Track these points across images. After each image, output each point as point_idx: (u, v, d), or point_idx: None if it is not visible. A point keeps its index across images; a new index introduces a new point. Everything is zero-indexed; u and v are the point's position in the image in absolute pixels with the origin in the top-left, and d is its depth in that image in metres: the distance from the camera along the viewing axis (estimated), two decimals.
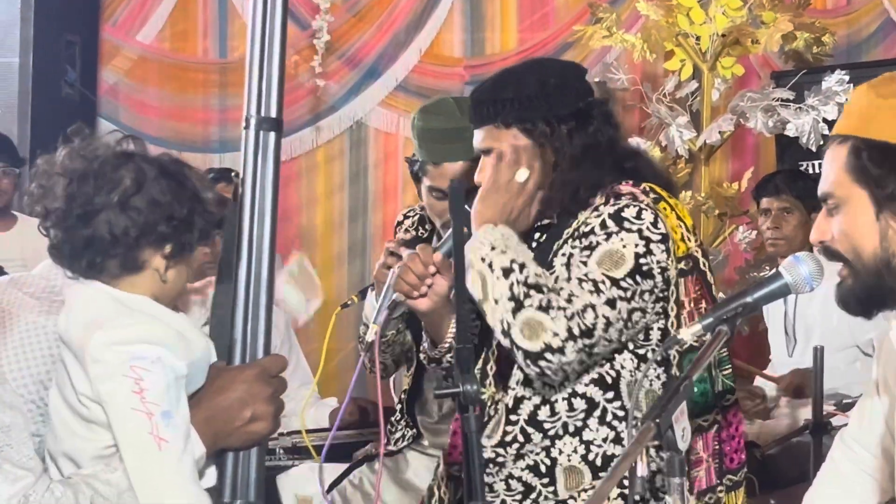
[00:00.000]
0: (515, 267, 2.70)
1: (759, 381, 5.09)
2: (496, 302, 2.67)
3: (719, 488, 2.84)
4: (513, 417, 2.85)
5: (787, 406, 4.93)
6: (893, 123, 2.22)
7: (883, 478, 2.48)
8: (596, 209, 2.83)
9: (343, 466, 3.91)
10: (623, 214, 2.73)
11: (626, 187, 2.88)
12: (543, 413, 2.81)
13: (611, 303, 2.66)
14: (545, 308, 2.64)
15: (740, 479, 2.89)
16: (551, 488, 2.76)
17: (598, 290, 2.67)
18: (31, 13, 6.07)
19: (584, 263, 2.70)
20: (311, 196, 6.82)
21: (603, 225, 2.74)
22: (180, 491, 2.00)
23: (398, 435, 3.72)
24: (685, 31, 5.55)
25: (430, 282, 2.92)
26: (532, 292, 2.67)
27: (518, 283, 2.68)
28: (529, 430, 2.80)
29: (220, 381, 2.14)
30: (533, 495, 2.84)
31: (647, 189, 2.89)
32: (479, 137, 2.93)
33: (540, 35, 6.67)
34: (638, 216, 2.73)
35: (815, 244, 2.31)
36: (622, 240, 2.71)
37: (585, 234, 2.78)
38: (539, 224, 2.98)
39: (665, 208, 2.86)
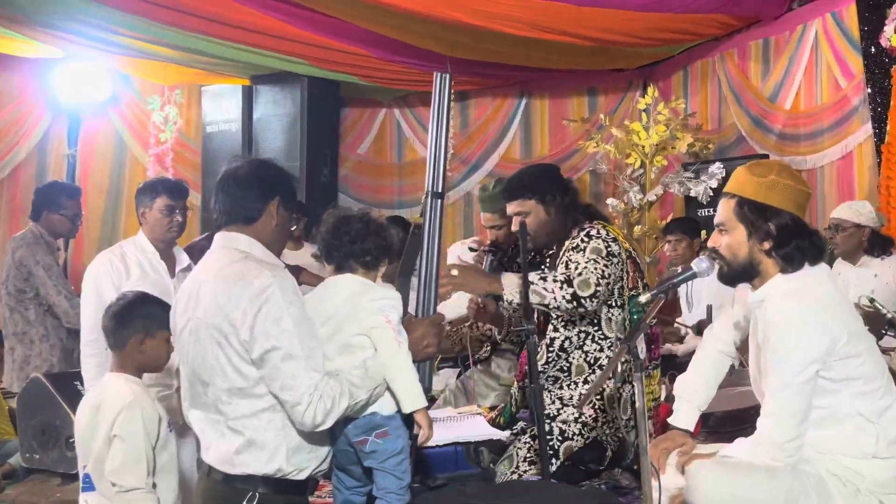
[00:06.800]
0: (544, 276, 3.70)
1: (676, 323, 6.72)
2: (554, 295, 3.67)
3: (650, 367, 4.10)
4: (551, 350, 3.82)
5: (692, 338, 6.44)
6: (758, 190, 3.12)
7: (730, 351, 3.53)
8: (575, 237, 3.99)
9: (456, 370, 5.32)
10: (591, 233, 3.96)
11: (587, 225, 4.05)
12: (568, 344, 3.90)
13: (605, 269, 3.77)
14: (571, 278, 3.67)
15: (658, 363, 4.21)
16: (569, 379, 3.99)
17: (596, 263, 3.82)
18: (305, 140, 8.60)
19: (583, 254, 3.84)
20: (442, 231, 7.63)
21: (583, 240, 3.95)
22: (409, 367, 2.99)
23: (483, 351, 4.97)
24: (636, 143, 7.93)
25: (482, 302, 4.33)
26: (570, 272, 3.71)
27: (556, 278, 3.70)
28: (562, 354, 3.84)
29: (410, 326, 3.08)
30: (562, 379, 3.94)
31: (599, 225, 4.08)
32: (511, 207, 4.09)
33: (561, 146, 9.11)
34: (598, 234, 3.97)
35: (708, 246, 3.22)
36: (596, 244, 3.90)
37: (574, 248, 3.92)
38: (547, 253, 4.16)
39: (611, 230, 4.08)
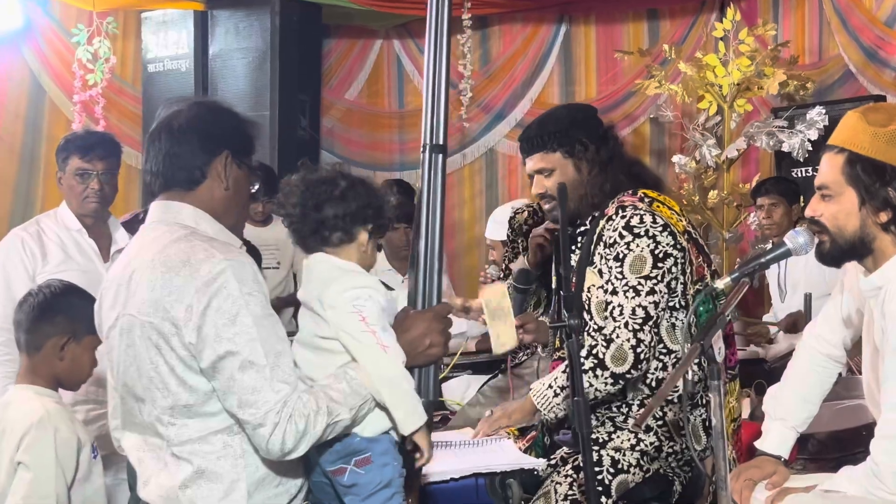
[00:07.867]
0: (559, 383, 3.87)
1: (764, 320, 7.23)
2: (595, 388, 3.80)
3: (727, 378, 3.92)
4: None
5: (784, 337, 6.86)
6: (875, 144, 3.13)
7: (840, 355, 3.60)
8: (611, 219, 3.91)
9: (485, 377, 5.46)
10: (632, 224, 3.86)
11: (628, 199, 3.94)
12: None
13: (647, 305, 3.79)
14: (601, 357, 3.77)
15: (736, 374, 4.16)
16: (621, 399, 4.05)
17: (635, 297, 3.83)
18: (277, 81, 8.38)
19: (619, 276, 3.83)
20: (460, 199, 9.11)
21: (621, 234, 3.85)
22: (400, 375, 3.00)
23: (521, 354, 5.13)
24: (712, 82, 7.96)
25: (523, 336, 4.20)
26: (597, 343, 3.80)
27: (584, 366, 3.73)
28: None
29: (408, 322, 3.10)
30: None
31: (642, 196, 3.96)
32: (531, 163, 4.07)
33: (612, 87, 9.15)
34: (641, 223, 3.85)
35: (807, 216, 3.23)
36: (638, 251, 3.83)
37: (609, 247, 3.88)
38: (579, 230, 4.08)
39: (658, 206, 3.93)
